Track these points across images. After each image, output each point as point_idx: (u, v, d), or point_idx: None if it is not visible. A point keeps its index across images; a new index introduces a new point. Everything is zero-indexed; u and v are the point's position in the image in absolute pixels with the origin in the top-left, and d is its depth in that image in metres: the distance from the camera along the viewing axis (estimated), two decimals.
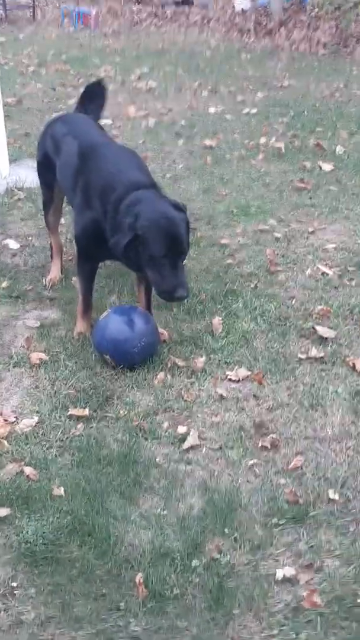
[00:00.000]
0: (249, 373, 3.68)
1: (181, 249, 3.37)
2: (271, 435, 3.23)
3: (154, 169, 6.52)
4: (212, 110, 8.90)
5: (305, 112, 8.71)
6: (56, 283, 4.58)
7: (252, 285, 4.53)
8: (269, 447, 3.16)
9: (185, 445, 3.17)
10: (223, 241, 5.13)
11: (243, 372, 3.69)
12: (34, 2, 19.50)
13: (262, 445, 3.16)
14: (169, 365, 3.71)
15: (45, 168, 4.33)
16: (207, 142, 7.45)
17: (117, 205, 3.49)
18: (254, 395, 3.53)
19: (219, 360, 3.79)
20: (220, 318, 4.13)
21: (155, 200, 3.46)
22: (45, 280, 4.59)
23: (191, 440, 3.18)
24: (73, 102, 9.00)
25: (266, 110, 8.91)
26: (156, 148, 7.34)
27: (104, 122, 8.18)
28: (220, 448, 3.17)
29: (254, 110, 8.85)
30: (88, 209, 3.72)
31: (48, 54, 13.30)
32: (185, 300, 3.82)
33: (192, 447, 3.17)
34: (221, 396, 3.49)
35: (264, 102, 9.41)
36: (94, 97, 4.65)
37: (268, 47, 14.70)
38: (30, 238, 5.22)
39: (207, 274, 4.68)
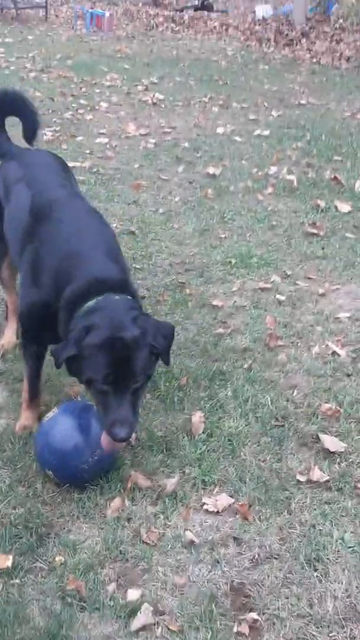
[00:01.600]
0: (232, 501, 2.84)
1: (128, 378, 2.53)
2: (251, 612, 2.39)
3: (147, 201, 5.75)
4: (220, 130, 8.07)
5: (323, 137, 7.85)
6: (9, 351, 3.76)
7: (246, 366, 3.70)
8: (247, 633, 2.32)
9: (135, 623, 2.34)
10: (215, 302, 4.30)
11: (224, 499, 2.85)
12: (46, 1, 18.76)
13: (237, 631, 2.33)
14: (130, 484, 2.88)
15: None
16: (211, 169, 6.63)
17: (73, 306, 2.69)
18: (235, 538, 2.69)
19: (195, 478, 2.96)
20: (203, 413, 3.30)
21: (117, 315, 2.60)
22: None
23: (142, 618, 2.35)
24: (69, 115, 8.25)
25: (280, 132, 8.07)
26: (152, 175, 6.52)
27: (99, 140, 7.47)
28: (181, 631, 2.34)
29: (267, 132, 8.02)
30: (35, 287, 2.90)
31: (54, 58, 12.55)
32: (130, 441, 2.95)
33: (143, 627, 2.33)
34: (191, 542, 2.65)
35: (278, 123, 8.56)
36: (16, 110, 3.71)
37: (288, 58, 13.86)
38: None
39: (193, 346, 3.85)
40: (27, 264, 2.96)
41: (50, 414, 2.93)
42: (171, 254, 4.93)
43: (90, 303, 2.63)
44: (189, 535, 2.68)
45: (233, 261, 4.83)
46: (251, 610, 2.42)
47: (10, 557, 2.53)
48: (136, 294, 2.84)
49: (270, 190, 6.16)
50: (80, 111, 8.73)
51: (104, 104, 9.14)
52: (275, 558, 2.62)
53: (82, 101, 9.23)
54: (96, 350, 2.48)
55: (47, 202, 3.03)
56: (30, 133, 3.76)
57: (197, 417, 3.28)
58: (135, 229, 5.29)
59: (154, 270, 4.69)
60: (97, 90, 9.90)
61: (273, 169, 6.63)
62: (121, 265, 2.87)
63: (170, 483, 2.90)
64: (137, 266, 4.71)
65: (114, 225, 5.27)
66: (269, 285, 4.51)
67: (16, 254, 3.14)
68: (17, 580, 2.46)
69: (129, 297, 2.71)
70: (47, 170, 3.39)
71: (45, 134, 7.39)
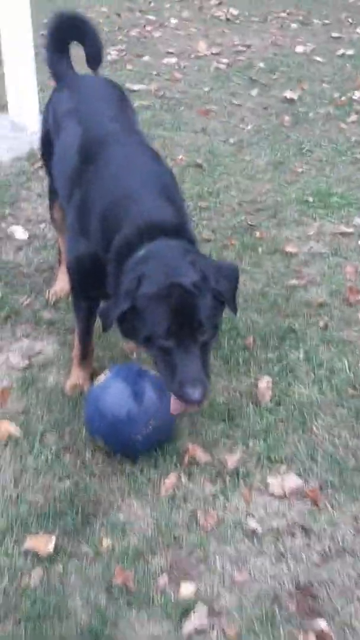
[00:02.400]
0: (301, 483, 2.52)
1: (194, 329, 2.17)
2: (319, 618, 2.10)
3: (216, 129, 5.28)
4: (299, 49, 7.38)
5: None
6: (61, 298, 3.47)
7: (322, 324, 3.31)
8: None
9: (187, 625, 2.08)
10: (289, 248, 3.88)
11: (292, 480, 2.54)
12: None
13: None
14: (187, 458, 2.59)
15: (48, 150, 3.14)
16: (288, 93, 6.05)
17: (122, 257, 2.35)
18: (303, 528, 2.39)
19: (260, 454, 2.64)
20: (270, 378, 2.96)
21: (172, 260, 2.24)
22: (49, 292, 3.49)
23: (196, 620, 2.09)
24: (135, 32, 7.72)
25: None
26: (223, 100, 5.99)
27: (166, 60, 6.93)
28: (239, 637, 2.07)
29: (351, 52, 7.30)
30: (83, 237, 2.57)
31: None
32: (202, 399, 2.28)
33: (196, 631, 2.08)
34: (253, 531, 2.36)
35: None
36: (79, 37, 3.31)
37: None
38: (42, 226, 4.11)
39: (261, 299, 3.48)
40: (73, 210, 2.62)
41: (102, 377, 2.65)
42: (241, 191, 4.49)
43: (141, 251, 2.28)
44: (251, 523, 2.38)
45: (310, 200, 4.37)
46: (319, 615, 2.13)
47: (54, 538, 2.30)
48: (194, 239, 2.48)
49: (354, 118, 5.58)
50: (148, 28, 8.13)
51: (173, 20, 8.49)
52: (348, 553, 2.31)
53: (150, 17, 8.61)
54: (153, 300, 2.15)
55: (97, 140, 2.66)
56: (94, 59, 3.34)
57: (264, 382, 2.94)
58: (203, 161, 4.85)
59: (221, 209, 4.27)
60: (167, 5, 9.21)
61: (357, 94, 6.00)
62: (177, 207, 2.49)
63: (232, 460, 2.60)
64: (203, 204, 4.30)
65: (180, 156, 4.86)
66: (350, 230, 4.05)
67: (64, 197, 2.80)
68: (60, 567, 2.23)
69: (184, 241, 2.36)
70: (101, 102, 2.99)
71: (110, 54, 6.90)
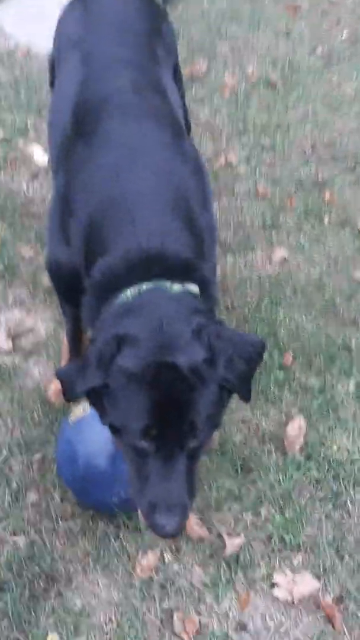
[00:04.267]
0: (317, 588, 1.94)
1: (183, 432, 1.48)
2: None
3: (303, 33, 4.27)
4: None
5: None
6: None
7: None
8: None
9: None
10: None
11: (306, 582, 1.96)
12: None
13: None
14: None
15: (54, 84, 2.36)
16: None
17: (102, 293, 1.65)
18: None
19: (271, 533, 2.05)
20: (304, 420, 2.30)
21: (170, 323, 1.50)
22: None
23: None
24: None
25: None
26: None
27: None
28: None
29: None
30: (62, 240, 1.86)
31: None
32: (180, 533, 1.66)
33: None
34: None
35: None
36: None
37: None
38: None
39: (315, 294, 2.74)
40: (56, 196, 1.90)
41: (79, 410, 2.03)
42: (318, 126, 3.59)
43: (129, 294, 1.57)
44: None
45: None
46: None
47: None
48: (211, 287, 1.71)
49: None
50: None
51: None
52: None
53: None
54: (132, 382, 1.46)
55: (96, 102, 1.87)
56: None
57: (296, 425, 2.29)
58: (278, 77, 3.91)
59: (288, 152, 3.42)
60: None
61: None
62: (194, 233, 1.72)
63: (234, 543, 2.01)
64: (266, 142, 3.45)
65: (250, 69, 3.92)
66: None
67: (52, 166, 2.07)
68: None
69: (192, 288, 1.62)
70: (120, 32, 2.13)
71: None
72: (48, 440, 2.21)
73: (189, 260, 1.62)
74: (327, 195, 3.16)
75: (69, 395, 1.56)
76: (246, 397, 1.56)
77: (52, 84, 2.47)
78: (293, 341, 2.55)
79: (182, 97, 2.51)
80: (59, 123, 1.96)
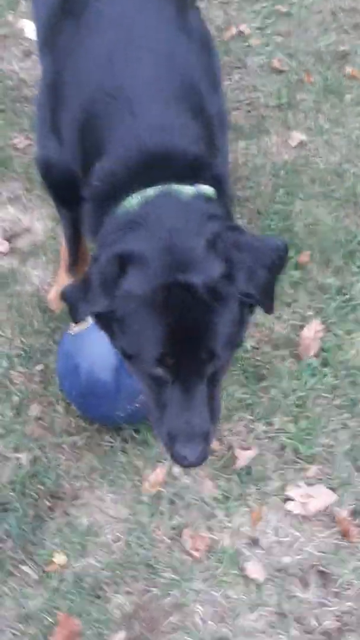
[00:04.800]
0: (332, 501, 1.87)
1: (201, 360, 1.33)
2: None
3: None
4: None
5: None
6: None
7: None
8: None
9: None
10: None
11: (321, 495, 1.89)
12: None
13: None
14: None
15: None
16: None
17: (101, 202, 1.45)
18: (322, 574, 1.78)
19: (283, 444, 1.96)
20: (322, 322, 2.16)
21: (180, 235, 1.31)
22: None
23: None
24: None
25: None
26: None
27: None
28: None
29: None
30: (52, 136, 1.64)
31: None
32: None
33: None
34: (258, 583, 1.76)
35: None
36: None
37: None
38: None
39: (333, 183, 2.52)
40: (43, 83, 1.66)
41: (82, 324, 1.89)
42: None
43: (134, 202, 1.38)
44: (252, 560, 1.77)
45: None
46: None
47: None
48: (224, 181, 1.50)
49: None
50: None
51: None
52: None
53: None
54: (141, 307, 1.31)
55: None
56: None
57: (312, 329, 2.15)
58: None
59: (306, 18, 3.06)
60: None
61: None
62: (203, 125, 1.49)
63: (245, 455, 1.92)
64: (282, 9, 3.08)
65: None
66: None
67: (39, 46, 1.80)
68: None
69: (205, 189, 1.42)
70: None
71: None
72: (50, 350, 2.10)
73: (199, 157, 1.42)
74: (349, 69, 2.84)
75: (74, 317, 1.41)
76: (269, 309, 1.41)
77: None
78: (310, 237, 2.35)
79: None
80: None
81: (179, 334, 1.29)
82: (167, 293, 1.27)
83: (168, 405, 1.35)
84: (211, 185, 1.42)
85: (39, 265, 2.32)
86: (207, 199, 1.39)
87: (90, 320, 1.85)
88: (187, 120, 1.44)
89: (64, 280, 2.19)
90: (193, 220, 1.32)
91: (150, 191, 1.36)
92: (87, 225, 1.54)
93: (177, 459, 1.38)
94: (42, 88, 1.67)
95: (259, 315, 2.14)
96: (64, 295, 1.41)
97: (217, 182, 1.44)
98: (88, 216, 1.51)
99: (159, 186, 1.36)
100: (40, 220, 2.43)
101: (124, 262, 1.30)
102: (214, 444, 1.93)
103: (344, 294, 2.23)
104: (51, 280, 2.27)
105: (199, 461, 1.39)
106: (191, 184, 1.38)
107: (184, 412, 1.34)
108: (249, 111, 2.71)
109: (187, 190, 1.36)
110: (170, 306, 1.28)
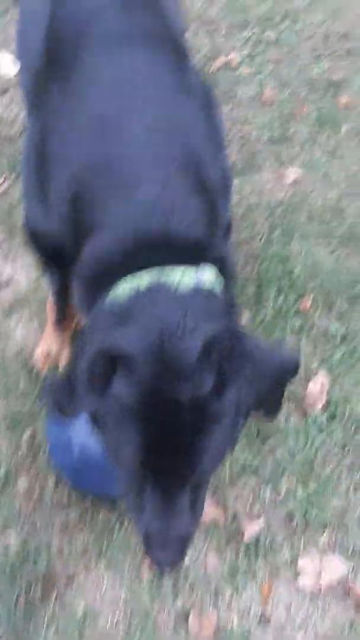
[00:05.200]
0: (345, 572, 1.73)
1: (185, 471, 1.18)
2: None
3: None
4: None
5: None
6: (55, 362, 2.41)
7: None
8: None
9: None
10: None
11: (334, 565, 1.76)
12: None
13: None
14: None
15: None
16: None
17: (92, 284, 1.32)
18: None
19: (292, 510, 1.82)
20: (329, 374, 2.03)
21: (174, 335, 1.14)
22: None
23: None
24: None
25: None
26: None
27: None
28: None
29: None
30: (40, 203, 1.50)
31: None
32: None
33: None
34: None
35: None
36: None
37: None
38: None
39: (333, 220, 2.40)
40: (29, 143, 1.52)
41: None
42: (329, 14, 3.11)
43: (126, 290, 1.23)
44: None
45: None
46: None
47: None
48: (227, 260, 1.35)
49: None
50: None
51: None
52: None
53: None
54: (124, 413, 1.16)
55: (76, 23, 1.45)
56: None
57: (319, 381, 2.02)
58: None
59: (296, 47, 2.96)
60: None
61: None
62: (207, 199, 1.35)
63: (253, 526, 1.78)
64: (271, 35, 2.98)
65: None
66: None
67: (23, 97, 1.66)
68: None
69: (206, 276, 1.28)
70: None
71: None
72: (38, 414, 1.95)
73: (200, 240, 1.28)
74: (344, 98, 2.73)
75: (61, 414, 1.26)
76: (272, 414, 1.27)
77: None
78: (310, 280, 2.23)
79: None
80: (30, 44, 1.55)
81: (160, 448, 1.15)
82: (153, 405, 1.13)
83: (146, 508, 1.21)
84: (214, 269, 1.28)
85: (22, 319, 2.19)
86: (206, 291, 1.24)
87: None
88: (187, 197, 1.30)
89: (50, 337, 2.07)
90: (189, 320, 1.16)
91: (145, 278, 1.22)
92: (77, 301, 1.39)
93: (153, 562, 1.25)
94: (28, 147, 1.53)
95: None
96: (45, 392, 1.27)
97: (220, 264, 1.30)
98: (78, 292, 1.37)
99: (155, 272, 1.22)
100: (23, 269, 2.30)
101: (113, 360, 1.16)
102: (218, 515, 1.80)
103: (350, 342, 2.11)
104: (36, 336, 2.13)
105: (175, 566, 1.27)
106: (191, 266, 1.24)
107: (162, 517, 1.20)
108: (242, 146, 2.59)
109: (185, 280, 1.22)
110: (154, 420, 1.13)
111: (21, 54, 1.67)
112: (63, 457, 1.74)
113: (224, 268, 1.31)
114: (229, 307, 1.27)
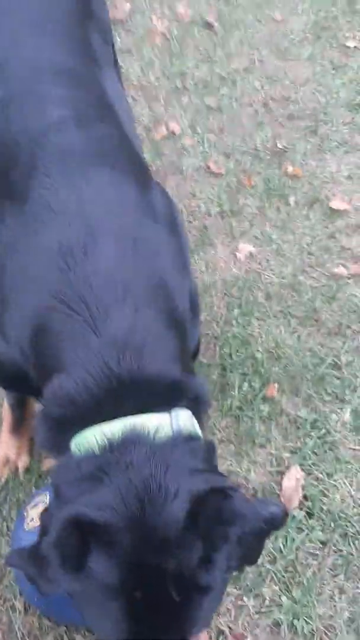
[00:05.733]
0: None
1: (170, 634, 1.05)
2: None
3: None
4: None
5: None
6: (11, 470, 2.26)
7: None
8: None
9: None
10: (335, 202, 2.65)
11: None
12: None
13: None
14: None
15: None
16: None
17: (57, 430, 1.17)
18: None
19: (279, 623, 1.73)
20: (301, 468, 1.96)
21: (152, 497, 1.02)
22: None
23: None
24: None
25: None
26: None
27: None
28: None
29: None
30: None
31: None
32: None
33: None
34: None
35: None
36: None
37: None
38: None
39: (291, 298, 2.35)
40: None
41: (36, 515, 1.62)
42: (268, 78, 3.11)
43: (95, 437, 1.10)
44: None
45: None
46: None
47: None
48: (203, 396, 1.23)
49: None
50: None
51: None
52: None
53: None
54: (104, 592, 1.03)
55: (27, 144, 1.33)
56: None
57: (293, 475, 1.95)
58: (214, 17, 3.36)
59: (237, 112, 2.94)
60: None
61: None
62: (175, 323, 1.26)
63: None
64: (212, 103, 2.95)
65: (180, 8, 3.35)
66: None
67: None
68: None
69: (183, 420, 1.15)
70: (40, 17, 1.54)
71: None
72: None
73: (175, 380, 1.17)
74: (290, 167, 2.71)
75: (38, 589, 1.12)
76: (251, 564, 1.17)
77: None
78: (274, 363, 2.17)
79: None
80: None
81: (145, 625, 1.03)
82: (134, 580, 1.01)
83: None
84: (189, 407, 1.18)
85: None
86: (185, 437, 1.12)
87: (47, 500, 1.62)
88: (158, 331, 1.20)
89: (7, 442, 1.93)
90: (170, 478, 1.05)
91: (116, 427, 1.10)
92: (39, 438, 1.26)
93: None
94: None
95: (230, 460, 1.96)
96: (9, 564, 1.13)
97: (195, 403, 1.20)
98: (40, 431, 1.23)
99: (127, 420, 1.10)
100: None
101: (84, 532, 1.02)
102: (203, 636, 1.69)
103: (319, 429, 2.05)
104: None
105: None
106: (166, 410, 1.14)
107: None
108: (190, 222, 2.52)
109: (162, 427, 1.11)
110: (137, 596, 1.01)
111: None
112: (32, 588, 1.59)
113: (197, 405, 1.21)
114: (209, 452, 1.17)
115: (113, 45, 1.84)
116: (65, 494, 1.08)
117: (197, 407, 1.20)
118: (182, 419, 1.13)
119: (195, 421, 1.17)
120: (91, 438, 1.10)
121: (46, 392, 1.18)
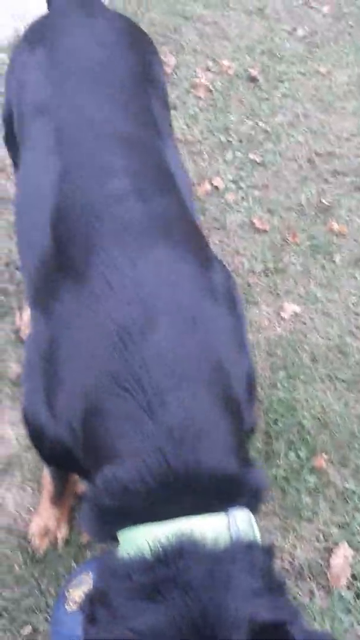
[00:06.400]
0: None
1: None
2: None
3: (277, 10, 3.73)
4: None
5: None
6: None
7: None
8: None
9: None
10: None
11: None
12: None
13: None
14: None
15: (13, 145, 1.75)
16: None
17: (109, 520, 1.11)
18: None
19: None
20: (347, 546, 1.88)
21: (214, 615, 0.94)
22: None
23: None
24: None
25: None
26: None
27: None
28: None
29: None
30: (44, 399, 1.33)
31: None
32: None
33: None
34: None
35: None
36: None
37: None
38: None
39: (337, 361, 2.29)
40: (33, 344, 1.37)
41: (78, 596, 1.57)
42: (312, 132, 3.09)
43: (145, 538, 1.04)
44: None
45: None
46: None
47: None
48: (260, 492, 1.15)
49: None
50: None
51: None
52: None
53: None
54: None
55: (87, 215, 1.30)
56: None
57: (341, 552, 1.87)
58: (258, 70, 3.37)
59: (281, 167, 2.91)
60: None
61: None
62: (234, 415, 1.19)
63: None
64: (256, 157, 2.93)
65: (224, 61, 3.37)
66: None
67: (27, 286, 1.50)
68: None
69: (240, 524, 1.08)
70: (103, 85, 1.52)
71: None
72: (37, 606, 1.75)
73: (233, 475, 1.11)
74: (335, 224, 2.67)
75: None
76: None
77: (6, 141, 1.83)
78: (321, 431, 2.10)
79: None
80: (33, 238, 1.39)
81: None
82: None
83: None
84: (246, 503, 1.11)
85: (13, 486, 1.99)
86: (245, 546, 1.05)
87: (90, 581, 1.57)
88: (215, 419, 1.14)
89: (47, 511, 1.88)
90: (229, 601, 0.97)
91: (170, 530, 1.03)
92: (85, 525, 1.21)
93: None
94: (32, 351, 1.37)
95: (277, 536, 1.89)
96: None
97: (254, 497, 1.14)
98: (88, 516, 1.18)
99: (182, 523, 1.04)
100: (12, 426, 2.12)
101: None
102: None
103: None
104: (30, 506, 1.94)
105: None
106: (223, 509, 1.08)
107: None
108: (235, 278, 2.48)
109: (219, 535, 1.04)
110: None
111: (22, 243, 1.51)
112: None
113: (255, 498, 1.15)
114: (268, 561, 1.10)
115: (169, 110, 1.82)
116: (115, 607, 1.01)
117: (255, 501, 1.14)
118: (240, 521, 1.07)
119: (253, 520, 1.11)
120: (142, 540, 1.04)
121: (98, 480, 1.13)
